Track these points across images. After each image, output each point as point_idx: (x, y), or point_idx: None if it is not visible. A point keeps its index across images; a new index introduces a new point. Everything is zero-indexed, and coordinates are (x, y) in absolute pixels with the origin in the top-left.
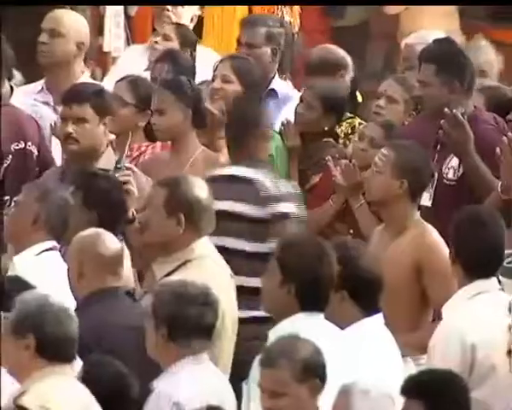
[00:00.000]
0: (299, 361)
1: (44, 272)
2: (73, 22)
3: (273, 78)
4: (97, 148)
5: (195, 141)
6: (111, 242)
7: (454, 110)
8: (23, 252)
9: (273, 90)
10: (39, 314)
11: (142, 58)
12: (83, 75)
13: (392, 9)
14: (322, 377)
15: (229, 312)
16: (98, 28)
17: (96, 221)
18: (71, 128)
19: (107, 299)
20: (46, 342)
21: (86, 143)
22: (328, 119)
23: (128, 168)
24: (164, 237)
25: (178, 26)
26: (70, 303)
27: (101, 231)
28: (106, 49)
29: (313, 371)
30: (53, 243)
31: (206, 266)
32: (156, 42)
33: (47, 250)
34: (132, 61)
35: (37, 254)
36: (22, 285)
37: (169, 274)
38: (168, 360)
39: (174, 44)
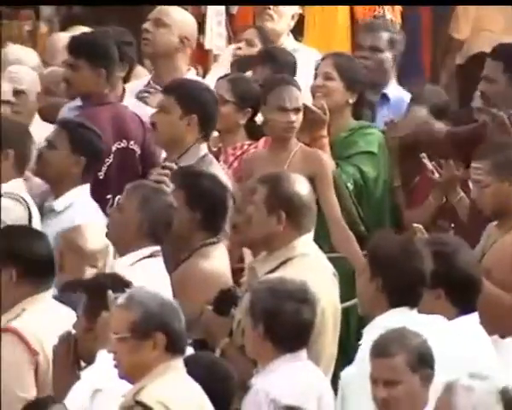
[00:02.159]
0: (414, 349)
1: (141, 279)
2: (179, 16)
3: (389, 83)
4: (176, 140)
5: (294, 138)
6: (93, 236)
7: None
8: (123, 257)
9: (385, 94)
10: (164, 311)
11: None
12: (188, 72)
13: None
14: (433, 368)
15: (331, 310)
16: (200, 26)
17: (199, 221)
18: (154, 117)
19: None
20: (174, 338)
21: (164, 133)
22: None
23: (167, 167)
24: (265, 234)
25: (260, 29)
26: None
27: (86, 224)
28: (207, 47)
29: (426, 361)
30: (154, 249)
31: (308, 264)
32: (239, 48)
33: (147, 257)
34: (234, 47)
35: (138, 261)
36: (121, 283)
37: (270, 272)
38: (266, 357)
39: (257, 49)
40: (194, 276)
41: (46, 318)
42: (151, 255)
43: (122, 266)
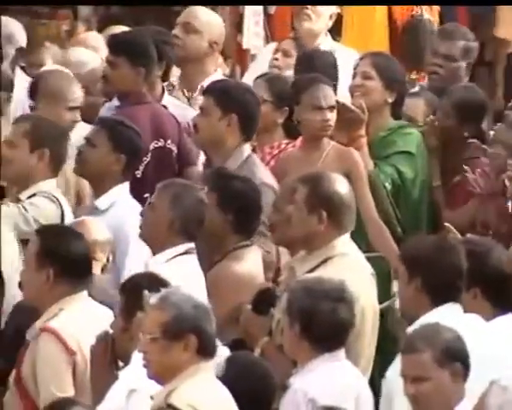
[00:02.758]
0: (440, 344)
1: (175, 277)
2: (209, 20)
3: None
4: (217, 141)
5: (326, 137)
6: (95, 229)
7: None
8: (157, 255)
9: None
10: (196, 313)
11: None
12: (215, 73)
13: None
14: (465, 363)
15: (370, 310)
16: (237, 26)
17: (231, 223)
18: (195, 119)
19: None
20: (206, 340)
21: (205, 135)
22: (467, 126)
23: None
24: (305, 233)
25: (296, 39)
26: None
27: (88, 219)
28: (245, 46)
29: (454, 356)
30: (188, 246)
31: (348, 264)
32: (276, 59)
33: (181, 254)
34: (271, 58)
35: (172, 258)
36: (157, 283)
37: (310, 271)
38: (303, 357)
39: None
40: (226, 278)
41: (83, 317)
42: (185, 252)
43: (156, 263)
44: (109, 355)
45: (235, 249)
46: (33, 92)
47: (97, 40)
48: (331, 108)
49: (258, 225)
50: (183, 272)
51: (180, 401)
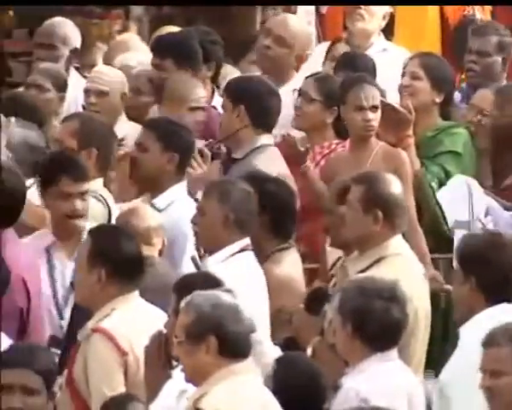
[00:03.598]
0: None
1: (232, 276)
2: (299, 31)
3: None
4: (233, 134)
5: (374, 137)
6: (147, 215)
7: None
8: (214, 255)
9: None
10: (217, 314)
11: None
12: (293, 79)
13: None
14: None
15: (422, 310)
16: None
17: (268, 225)
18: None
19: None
20: (228, 341)
21: (224, 131)
22: None
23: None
24: (360, 233)
25: (351, 44)
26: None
27: (139, 204)
28: None
29: None
30: (244, 243)
31: (400, 264)
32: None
33: (238, 252)
34: (322, 58)
35: (228, 257)
36: (211, 283)
37: (362, 271)
38: (355, 357)
39: None
40: (267, 282)
41: (135, 317)
42: (242, 250)
43: (214, 262)
44: (163, 355)
45: (274, 252)
46: (158, 95)
47: (136, 42)
48: (373, 108)
49: (294, 227)
50: (240, 271)
51: (208, 406)
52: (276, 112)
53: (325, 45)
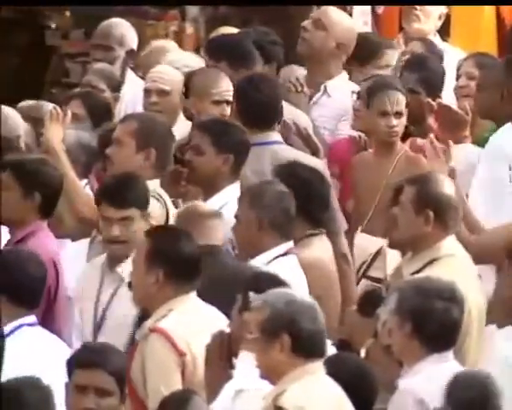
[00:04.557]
0: None
1: None
2: (340, 20)
3: None
4: None
5: (399, 142)
6: (207, 206)
7: None
8: (257, 257)
9: None
10: (291, 312)
11: None
12: (340, 75)
13: None
14: None
15: (476, 311)
16: None
17: (299, 211)
18: None
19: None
20: (301, 339)
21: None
22: None
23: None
24: (412, 234)
25: (425, 41)
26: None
27: (199, 203)
28: None
29: None
30: (288, 246)
31: (454, 265)
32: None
33: (283, 255)
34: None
35: (272, 260)
36: (275, 283)
37: (416, 272)
38: (412, 357)
39: None
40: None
41: (193, 318)
42: (285, 253)
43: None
44: (224, 355)
45: (303, 238)
46: (186, 89)
47: (171, 47)
48: (397, 114)
49: (326, 215)
50: (282, 275)
51: (288, 404)
52: (269, 107)
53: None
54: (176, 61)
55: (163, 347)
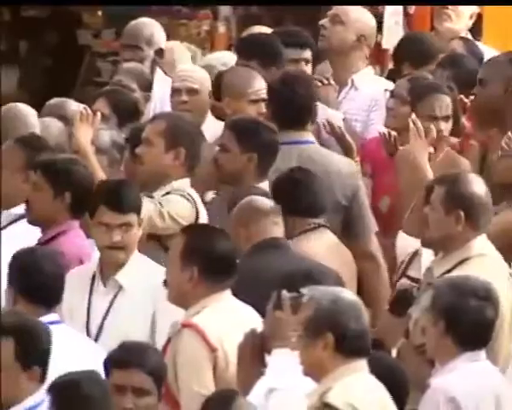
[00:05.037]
0: None
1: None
2: (357, 14)
3: None
4: None
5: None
6: (264, 200)
7: None
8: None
9: None
10: (336, 311)
11: None
12: (364, 70)
13: None
14: None
15: (508, 309)
16: (377, 26)
17: (292, 210)
18: None
19: (272, 248)
20: (345, 338)
21: None
22: None
23: None
24: (442, 234)
25: (465, 40)
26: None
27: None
28: (384, 46)
29: None
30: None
31: (486, 264)
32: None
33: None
34: None
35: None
36: (310, 281)
37: (447, 272)
38: (445, 355)
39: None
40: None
41: (226, 316)
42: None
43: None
44: (256, 353)
45: (301, 233)
46: (217, 89)
47: (181, 50)
48: (445, 118)
49: (327, 206)
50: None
51: (338, 400)
52: (303, 107)
53: None
54: (213, 59)
55: (195, 341)
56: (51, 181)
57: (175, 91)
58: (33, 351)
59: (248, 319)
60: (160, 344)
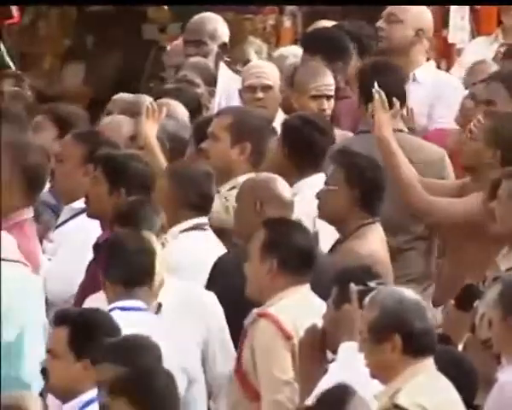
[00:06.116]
0: None
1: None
2: (413, 9)
3: None
4: None
5: None
6: (286, 186)
7: None
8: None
9: None
10: (401, 311)
11: (486, 50)
12: (426, 63)
13: None
14: None
15: None
16: (443, 20)
17: (357, 199)
18: None
19: None
20: (412, 339)
21: None
22: None
23: None
24: (509, 228)
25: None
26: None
27: (275, 175)
28: (450, 40)
29: None
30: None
31: None
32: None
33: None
34: (477, 53)
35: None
36: (369, 276)
37: None
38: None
39: None
40: (349, 259)
41: (302, 309)
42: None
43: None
44: (317, 349)
45: (360, 228)
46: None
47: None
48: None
49: (382, 204)
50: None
51: (407, 402)
52: None
53: (480, 40)
54: (285, 51)
55: (271, 330)
56: (108, 176)
57: (249, 88)
58: (87, 341)
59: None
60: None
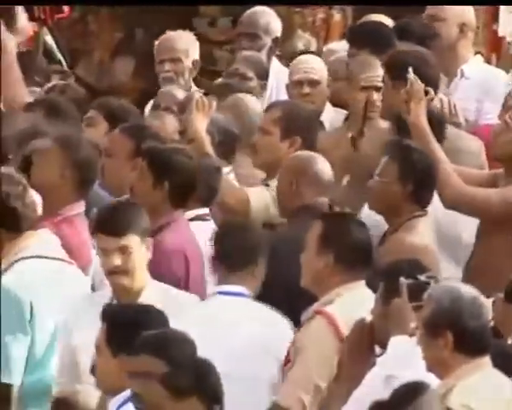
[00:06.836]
0: None
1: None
2: (451, 5)
3: None
4: None
5: None
6: (326, 166)
7: None
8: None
9: None
10: (456, 309)
11: None
12: (474, 58)
13: None
14: None
15: None
16: (493, 14)
17: (410, 193)
18: None
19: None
20: (465, 337)
21: None
22: None
23: None
24: None
25: None
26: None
27: (316, 154)
28: (501, 34)
29: None
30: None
31: None
32: None
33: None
34: None
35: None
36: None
37: None
38: None
39: None
40: (402, 251)
41: (359, 307)
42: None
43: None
44: (366, 342)
45: (410, 219)
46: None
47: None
48: None
49: (433, 196)
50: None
51: (454, 403)
52: None
53: None
54: (335, 46)
55: (325, 330)
56: (152, 169)
57: (296, 83)
58: (123, 338)
59: None
60: None
